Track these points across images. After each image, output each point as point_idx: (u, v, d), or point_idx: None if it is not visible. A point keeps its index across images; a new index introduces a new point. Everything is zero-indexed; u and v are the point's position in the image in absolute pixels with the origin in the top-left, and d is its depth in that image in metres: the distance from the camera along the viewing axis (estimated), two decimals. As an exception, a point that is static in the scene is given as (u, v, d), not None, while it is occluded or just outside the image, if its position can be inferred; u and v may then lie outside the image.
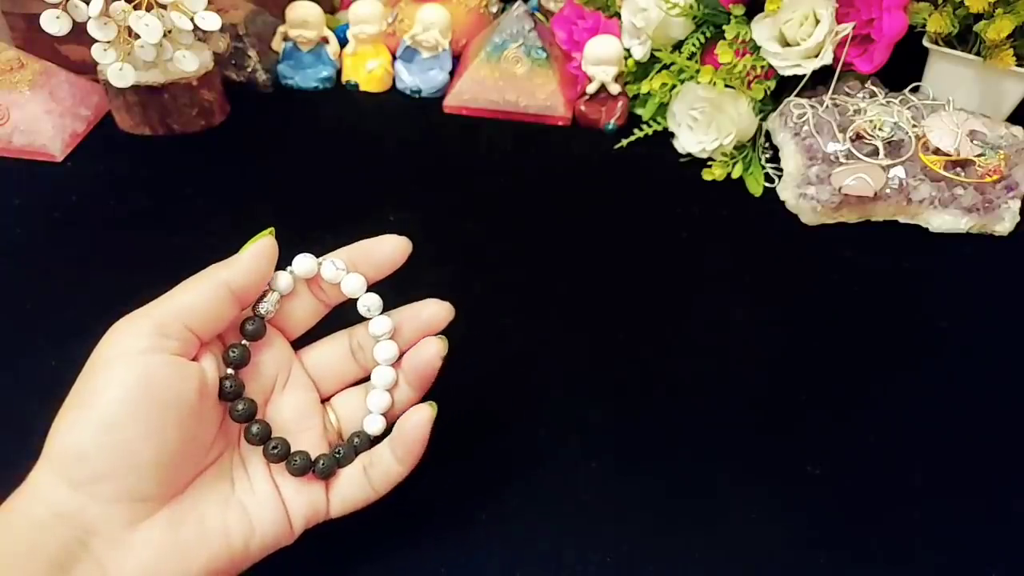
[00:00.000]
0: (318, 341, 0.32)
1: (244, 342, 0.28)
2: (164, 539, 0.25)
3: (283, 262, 0.29)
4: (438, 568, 0.31)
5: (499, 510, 0.33)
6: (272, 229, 0.28)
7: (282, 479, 0.29)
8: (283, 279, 0.29)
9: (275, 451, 0.28)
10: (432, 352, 0.30)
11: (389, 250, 0.30)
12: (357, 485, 0.30)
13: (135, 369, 0.24)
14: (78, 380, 0.25)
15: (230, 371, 0.28)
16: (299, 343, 0.31)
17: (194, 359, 0.26)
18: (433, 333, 0.30)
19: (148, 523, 0.25)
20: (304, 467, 0.28)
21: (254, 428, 0.28)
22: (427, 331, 0.30)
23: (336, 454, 0.29)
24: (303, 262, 0.29)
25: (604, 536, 0.32)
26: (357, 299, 0.30)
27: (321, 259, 0.29)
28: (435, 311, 0.31)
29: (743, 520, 0.33)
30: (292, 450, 0.28)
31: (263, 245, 0.27)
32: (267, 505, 0.28)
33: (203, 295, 0.26)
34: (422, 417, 0.29)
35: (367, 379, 0.31)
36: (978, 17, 0.53)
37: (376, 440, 0.30)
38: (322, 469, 0.29)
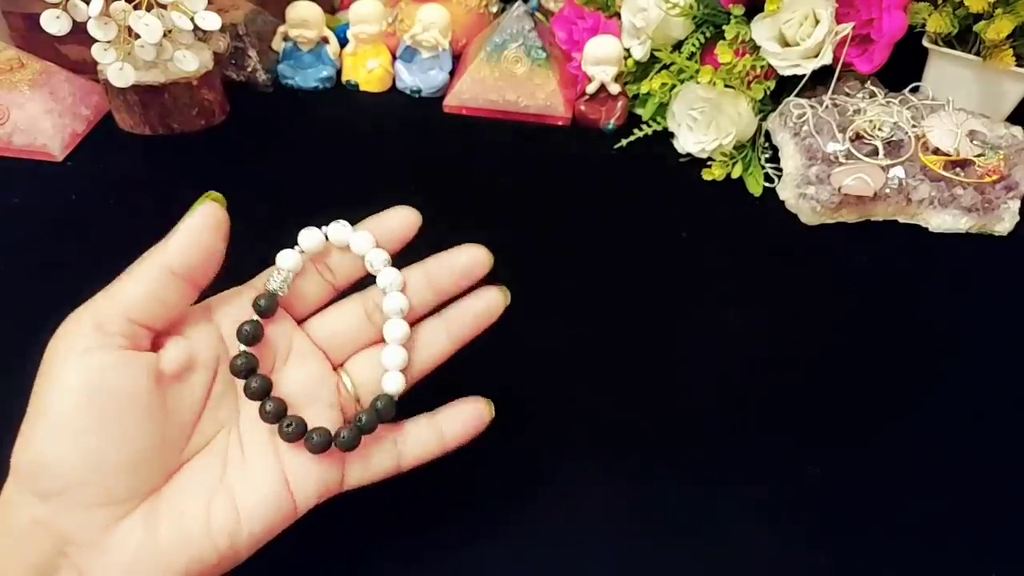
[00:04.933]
0: (327, 308, 0.30)
1: (256, 318, 0.27)
2: (141, 541, 0.24)
3: (288, 246, 0.28)
4: (438, 568, 0.31)
5: (499, 510, 0.33)
6: (213, 194, 0.26)
7: (290, 456, 0.27)
8: (291, 257, 0.28)
9: (290, 429, 0.26)
10: (494, 302, 0.29)
11: (398, 222, 0.29)
12: (383, 455, 0.28)
13: (80, 372, 0.23)
14: (35, 386, 0.24)
15: (243, 347, 0.27)
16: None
17: (155, 348, 0.25)
18: (473, 281, 0.29)
19: (125, 524, 0.24)
20: (324, 443, 0.26)
21: (268, 405, 0.26)
22: (465, 279, 0.29)
23: (358, 422, 0.27)
24: (308, 236, 0.28)
25: (604, 536, 0.32)
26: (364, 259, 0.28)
27: (344, 224, 0.28)
28: (472, 256, 0.29)
29: (743, 520, 0.33)
30: (309, 427, 0.27)
31: (201, 216, 0.25)
32: (262, 488, 0.26)
33: (143, 284, 0.24)
34: (480, 416, 0.29)
35: None
36: (978, 17, 0.53)
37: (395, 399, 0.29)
38: (345, 441, 0.27)
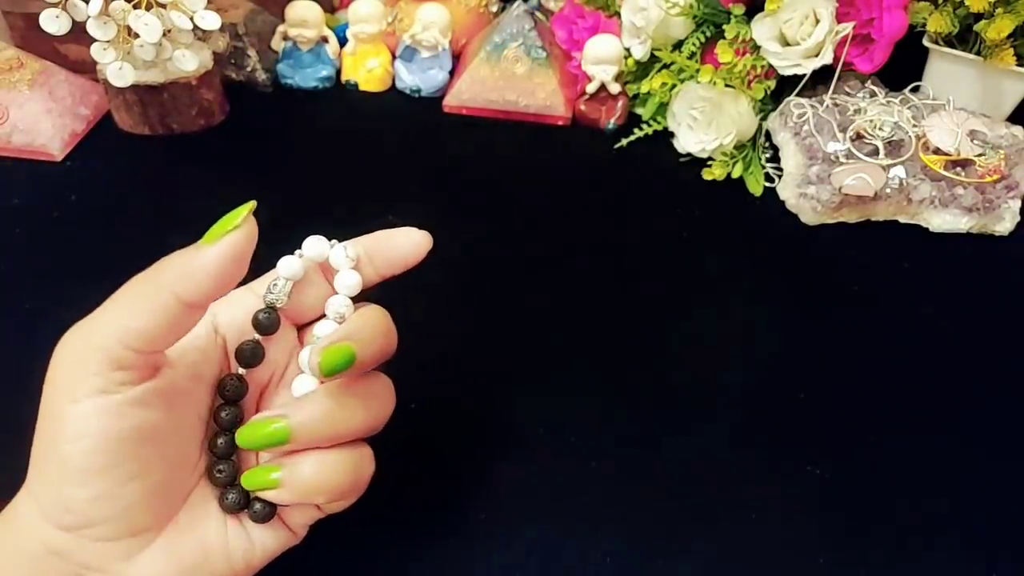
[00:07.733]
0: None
1: (257, 337, 0.26)
2: (165, 568, 0.24)
3: (289, 247, 0.27)
4: (437, 568, 0.31)
5: (499, 510, 0.33)
6: (252, 205, 0.23)
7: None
8: (293, 264, 0.26)
9: (230, 500, 0.25)
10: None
11: (408, 247, 0.28)
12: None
13: (98, 418, 0.22)
14: (43, 417, 0.23)
15: (241, 371, 0.26)
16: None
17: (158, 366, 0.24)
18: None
19: (147, 553, 0.24)
20: (267, 514, 0.26)
21: (219, 468, 0.26)
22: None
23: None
24: (314, 246, 0.27)
25: (604, 536, 0.32)
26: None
27: (333, 243, 0.27)
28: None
29: (743, 520, 0.33)
30: (250, 497, 0.26)
31: (229, 246, 0.23)
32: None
33: (154, 317, 0.22)
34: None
35: None
36: (978, 16, 0.53)
37: None
38: (259, 514, 0.26)
